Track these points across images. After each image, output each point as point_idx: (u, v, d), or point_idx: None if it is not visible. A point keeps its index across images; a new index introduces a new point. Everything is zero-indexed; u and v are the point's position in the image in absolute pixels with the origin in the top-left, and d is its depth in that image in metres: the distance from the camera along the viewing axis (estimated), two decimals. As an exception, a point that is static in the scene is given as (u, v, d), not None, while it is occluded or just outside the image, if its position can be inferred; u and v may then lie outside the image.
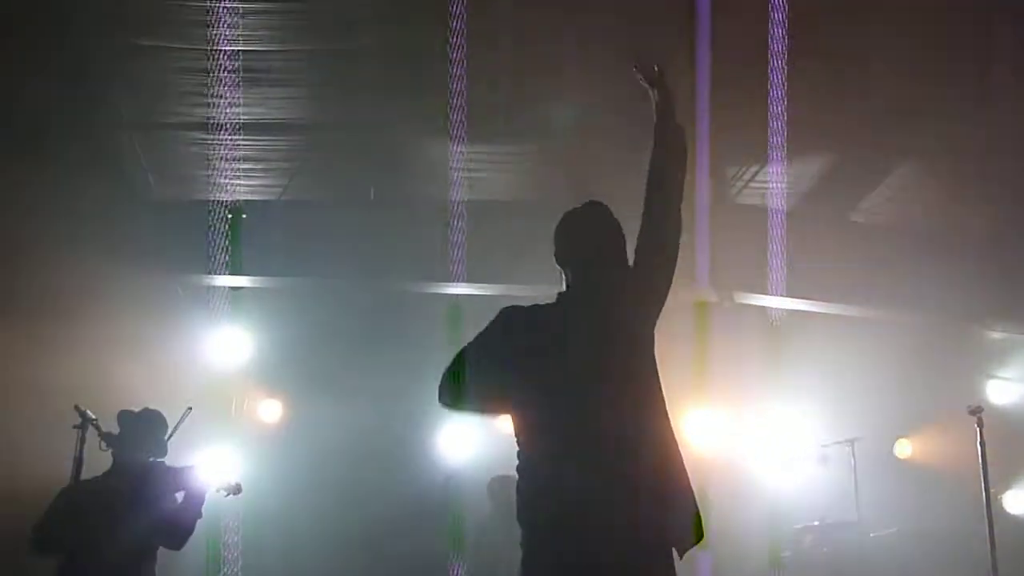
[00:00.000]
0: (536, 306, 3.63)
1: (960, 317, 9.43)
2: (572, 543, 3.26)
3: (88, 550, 5.20)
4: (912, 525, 8.75)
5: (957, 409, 6.50)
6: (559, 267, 3.69)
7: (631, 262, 3.65)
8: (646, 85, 3.75)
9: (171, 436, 5.64)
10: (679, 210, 3.72)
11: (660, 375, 3.56)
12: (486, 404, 3.63)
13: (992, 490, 6.44)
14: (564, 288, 3.66)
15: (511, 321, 3.59)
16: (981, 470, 6.07)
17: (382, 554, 8.20)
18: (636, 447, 3.38)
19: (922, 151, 8.48)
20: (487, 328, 3.60)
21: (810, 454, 9.24)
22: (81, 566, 5.24)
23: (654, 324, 3.63)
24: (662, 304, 3.65)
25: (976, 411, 6.17)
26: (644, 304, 3.62)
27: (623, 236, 3.67)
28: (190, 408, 5.79)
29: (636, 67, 3.75)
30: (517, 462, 3.48)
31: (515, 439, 3.50)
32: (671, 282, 3.66)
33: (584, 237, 3.65)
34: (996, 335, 10.13)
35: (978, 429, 6.11)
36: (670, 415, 3.54)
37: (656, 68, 3.74)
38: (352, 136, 8.04)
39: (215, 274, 8.01)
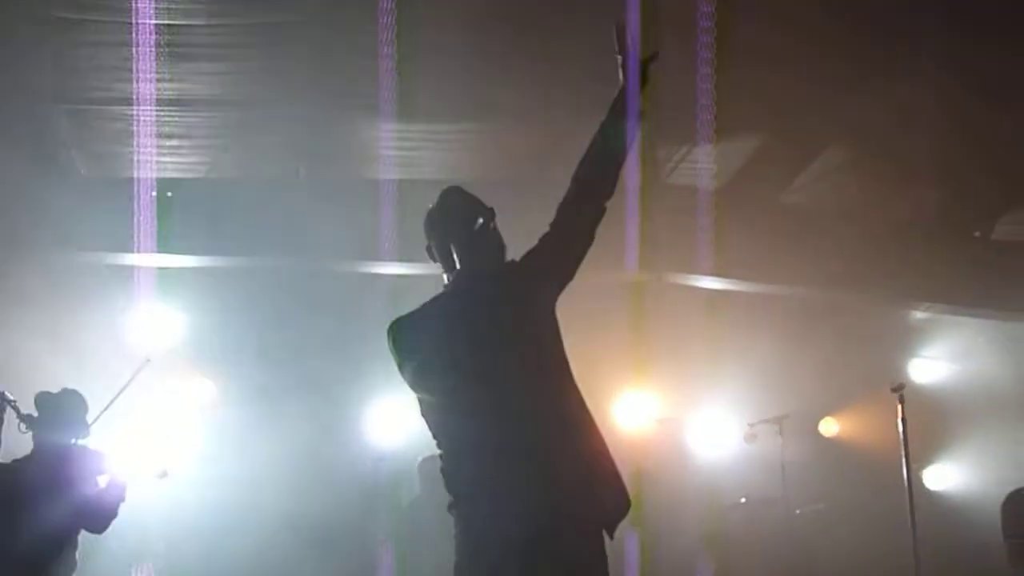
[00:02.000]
0: (423, 307, 3.62)
1: (884, 297, 9.58)
2: (494, 520, 3.26)
3: (5, 535, 5.10)
4: (837, 501, 8.91)
5: (881, 388, 6.61)
6: (434, 262, 3.69)
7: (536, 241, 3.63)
8: (618, 55, 3.67)
9: (126, 387, 5.56)
10: (607, 197, 3.69)
11: (566, 351, 3.56)
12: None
13: (913, 466, 6.57)
14: (446, 281, 3.65)
15: (406, 329, 3.56)
16: (902, 447, 6.18)
17: (312, 537, 8.14)
18: (551, 426, 3.36)
19: (849, 133, 8.60)
20: (394, 348, 3.57)
21: (738, 432, 9.35)
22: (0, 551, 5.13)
23: (555, 299, 3.63)
24: (566, 280, 3.65)
25: (898, 389, 6.28)
26: (542, 279, 3.61)
27: (488, 212, 3.64)
28: (148, 360, 5.70)
29: (616, 31, 3.65)
30: (440, 452, 3.49)
31: (434, 434, 3.52)
32: (580, 261, 3.63)
33: (451, 228, 3.62)
34: (919, 314, 10.32)
35: (900, 407, 6.22)
36: (581, 391, 3.52)
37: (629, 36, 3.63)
38: (280, 113, 7.93)
39: (140, 253, 7.85)
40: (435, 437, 3.54)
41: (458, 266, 3.61)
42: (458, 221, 3.63)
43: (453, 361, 3.41)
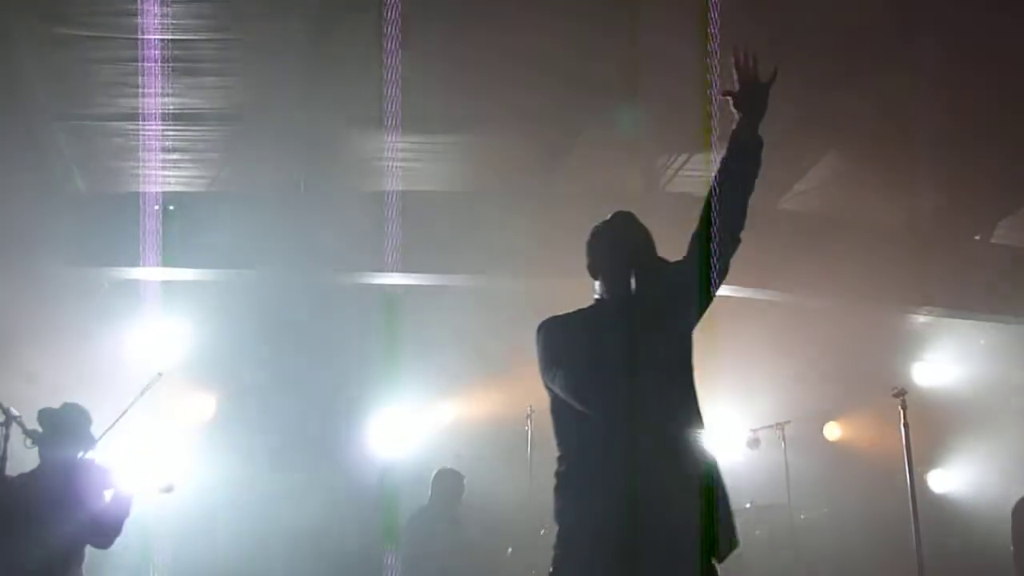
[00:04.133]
0: (574, 314, 3.72)
1: (886, 301, 9.59)
2: (622, 536, 3.35)
3: (12, 550, 5.10)
4: (841, 506, 8.91)
5: (883, 392, 6.62)
6: (593, 278, 3.76)
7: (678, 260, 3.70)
8: (730, 93, 3.72)
9: (137, 401, 5.58)
10: (741, 230, 3.80)
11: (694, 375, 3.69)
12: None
13: (917, 470, 6.57)
14: (600, 297, 3.74)
15: (559, 330, 3.68)
16: (905, 451, 6.18)
17: (317, 550, 8.14)
18: (685, 449, 3.52)
19: (847, 139, 8.62)
20: (545, 345, 3.67)
21: (741, 438, 9.36)
22: (6, 566, 5.13)
23: (694, 325, 3.74)
24: (705, 310, 3.75)
25: (900, 393, 6.28)
26: (686, 310, 3.72)
27: (653, 243, 3.73)
28: (160, 374, 5.73)
29: (736, 62, 3.68)
30: (561, 459, 3.56)
31: (562, 436, 3.59)
32: (717, 288, 3.73)
33: (619, 248, 3.71)
34: (921, 319, 10.33)
35: (902, 411, 6.22)
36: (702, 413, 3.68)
37: (754, 66, 3.67)
38: (282, 126, 7.96)
39: (143, 267, 7.87)
40: (556, 436, 3.63)
41: (617, 288, 3.69)
42: (637, 252, 3.71)
43: (598, 373, 3.51)
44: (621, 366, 3.53)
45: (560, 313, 3.76)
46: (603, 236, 3.81)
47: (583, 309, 3.76)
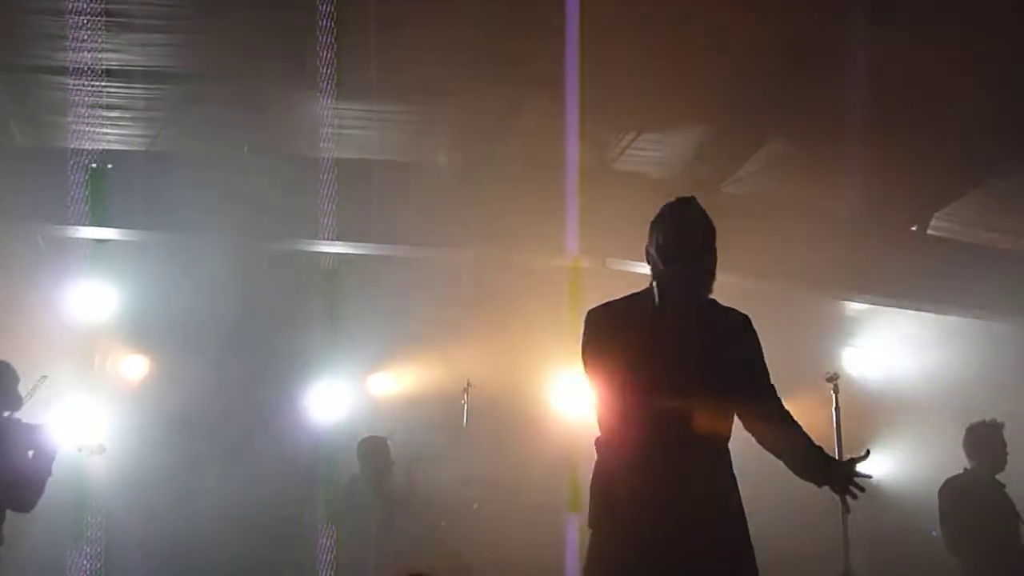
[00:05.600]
0: (627, 301, 3.75)
1: (821, 288, 9.71)
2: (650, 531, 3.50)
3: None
4: (770, 489, 9.01)
5: (816, 377, 6.70)
6: (651, 261, 3.73)
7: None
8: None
9: (25, 402, 5.44)
10: None
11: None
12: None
13: (846, 455, 6.66)
14: (656, 281, 3.72)
15: (607, 321, 3.71)
16: (835, 436, 6.27)
17: (250, 517, 8.08)
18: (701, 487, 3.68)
19: (790, 128, 8.70)
20: (591, 334, 3.70)
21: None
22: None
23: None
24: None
25: (832, 378, 6.37)
26: (739, 367, 3.84)
27: (714, 238, 3.73)
28: (44, 376, 5.57)
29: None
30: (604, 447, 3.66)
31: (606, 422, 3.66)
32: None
33: (687, 237, 3.67)
34: (855, 306, 10.47)
35: (834, 396, 6.31)
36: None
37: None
38: (227, 88, 7.84)
39: (78, 225, 7.73)
40: (598, 422, 3.70)
41: (670, 277, 3.68)
42: (698, 241, 3.69)
43: (648, 369, 3.57)
44: (663, 368, 3.59)
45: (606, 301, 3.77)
46: (674, 220, 3.73)
47: (632, 297, 3.78)
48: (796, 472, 3.88)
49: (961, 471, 6.82)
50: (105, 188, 7.65)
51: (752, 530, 3.85)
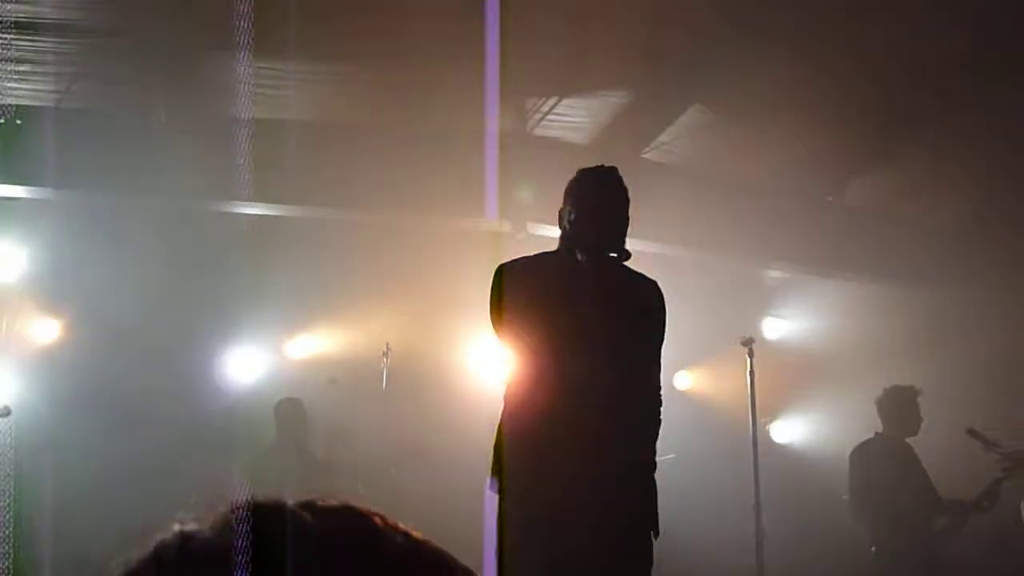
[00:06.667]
0: (534, 260, 3.77)
1: (742, 256, 9.81)
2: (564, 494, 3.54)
3: None
4: (687, 452, 9.13)
5: (733, 343, 6.78)
6: (562, 229, 3.76)
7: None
8: None
9: None
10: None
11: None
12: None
13: (761, 420, 6.78)
14: (566, 243, 3.74)
15: (519, 277, 3.72)
16: (749, 399, 6.36)
17: (163, 483, 7.95)
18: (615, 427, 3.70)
19: (710, 95, 8.74)
20: (503, 290, 3.72)
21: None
22: None
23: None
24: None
25: (748, 343, 6.45)
26: (641, 337, 3.86)
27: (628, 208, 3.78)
28: None
29: None
30: (515, 407, 3.66)
31: (515, 384, 3.67)
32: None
33: (607, 211, 3.73)
34: (773, 274, 10.61)
35: (748, 359, 6.39)
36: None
37: None
38: (143, 43, 7.64)
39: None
40: (508, 379, 3.74)
41: (585, 241, 3.71)
42: (617, 207, 3.75)
43: (566, 326, 3.60)
44: (582, 325, 3.64)
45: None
46: (591, 188, 3.79)
47: (539, 256, 3.80)
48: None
49: (872, 435, 6.95)
50: (13, 144, 7.42)
51: (670, 492, 3.90)
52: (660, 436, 3.90)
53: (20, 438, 7.45)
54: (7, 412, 5.65)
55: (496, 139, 6.34)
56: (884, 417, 6.94)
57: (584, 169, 3.80)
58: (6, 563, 6.51)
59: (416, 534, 1.03)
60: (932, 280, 9.95)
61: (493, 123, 6.28)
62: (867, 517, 6.78)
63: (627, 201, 3.76)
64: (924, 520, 6.66)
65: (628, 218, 3.77)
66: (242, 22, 6.79)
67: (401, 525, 1.04)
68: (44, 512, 7.62)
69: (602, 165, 3.81)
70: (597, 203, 3.70)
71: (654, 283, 3.89)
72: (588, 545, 3.53)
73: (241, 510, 1.01)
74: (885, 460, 6.76)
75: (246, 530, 0.98)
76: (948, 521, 6.67)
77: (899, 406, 6.91)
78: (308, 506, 1.02)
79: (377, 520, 1.02)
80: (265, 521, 0.99)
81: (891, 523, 6.60)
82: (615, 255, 3.69)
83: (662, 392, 3.95)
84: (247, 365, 8.93)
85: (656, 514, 3.71)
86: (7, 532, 7.30)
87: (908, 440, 6.89)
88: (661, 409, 3.89)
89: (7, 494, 7.47)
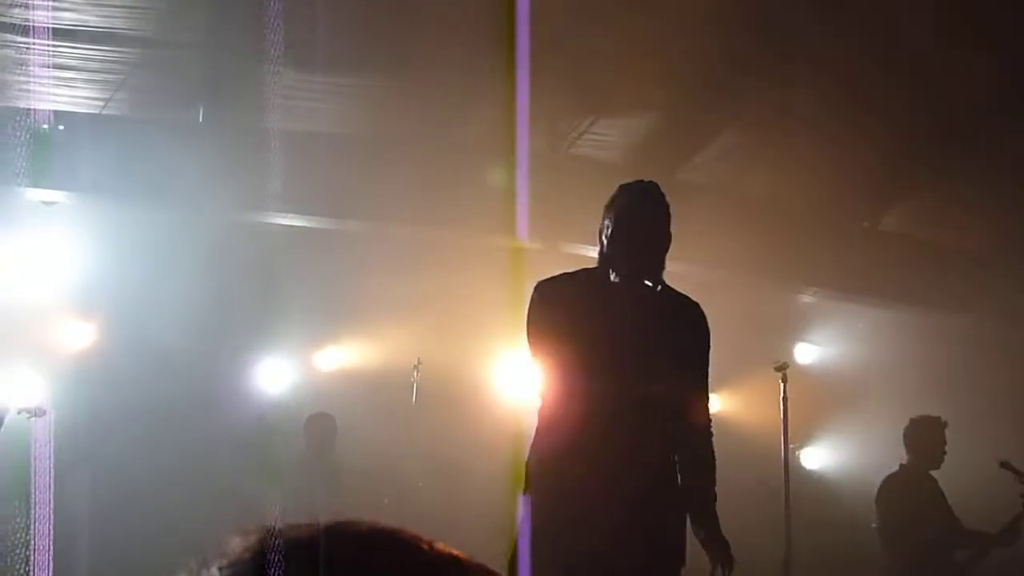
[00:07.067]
0: (572, 277, 3.73)
1: (772, 280, 9.76)
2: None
3: None
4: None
5: (765, 368, 6.73)
6: (605, 238, 3.70)
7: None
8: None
9: None
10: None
11: None
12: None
13: (791, 446, 6.73)
14: (603, 262, 3.69)
15: (556, 294, 3.68)
16: (782, 424, 6.30)
17: (193, 491, 7.98)
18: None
19: (749, 116, 8.72)
20: (539, 306, 3.67)
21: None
22: None
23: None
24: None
25: (782, 367, 6.39)
26: (681, 365, 3.80)
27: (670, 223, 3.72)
28: None
29: None
30: (547, 424, 3.64)
31: (548, 401, 3.65)
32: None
33: (642, 235, 3.66)
34: (805, 299, 10.54)
35: (782, 385, 6.34)
36: None
37: None
38: (180, 54, 7.73)
39: (26, 187, 7.58)
40: (541, 396, 3.70)
41: (619, 266, 3.65)
42: (654, 227, 3.68)
43: (600, 345, 3.57)
44: (617, 350, 3.61)
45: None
46: (632, 207, 3.72)
47: (576, 275, 3.75)
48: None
49: (898, 468, 6.90)
50: (55, 149, 7.51)
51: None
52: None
53: (59, 441, 7.51)
54: (42, 412, 5.68)
55: (527, 158, 6.36)
56: (909, 448, 6.90)
57: (624, 184, 3.74)
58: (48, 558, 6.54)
59: (451, 550, 1.03)
60: (965, 307, 9.86)
61: (524, 141, 6.30)
62: (893, 550, 6.73)
63: (666, 218, 3.68)
64: (947, 553, 6.63)
65: (669, 235, 3.69)
66: (275, 35, 6.87)
67: (439, 544, 1.03)
68: (80, 520, 7.67)
69: (641, 180, 3.76)
70: (632, 226, 3.63)
71: (696, 305, 3.83)
72: (616, 566, 3.51)
73: (273, 538, 1.01)
74: (908, 495, 6.72)
75: (278, 560, 0.99)
76: (970, 553, 6.63)
77: (923, 437, 6.86)
78: (338, 533, 1.02)
79: (408, 537, 1.02)
80: (296, 550, 0.99)
81: (914, 557, 6.56)
82: (648, 283, 3.65)
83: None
84: (278, 377, 8.97)
85: (684, 545, 3.69)
86: (49, 531, 7.35)
87: (932, 473, 6.85)
88: (711, 438, 3.83)
89: (48, 488, 7.53)
